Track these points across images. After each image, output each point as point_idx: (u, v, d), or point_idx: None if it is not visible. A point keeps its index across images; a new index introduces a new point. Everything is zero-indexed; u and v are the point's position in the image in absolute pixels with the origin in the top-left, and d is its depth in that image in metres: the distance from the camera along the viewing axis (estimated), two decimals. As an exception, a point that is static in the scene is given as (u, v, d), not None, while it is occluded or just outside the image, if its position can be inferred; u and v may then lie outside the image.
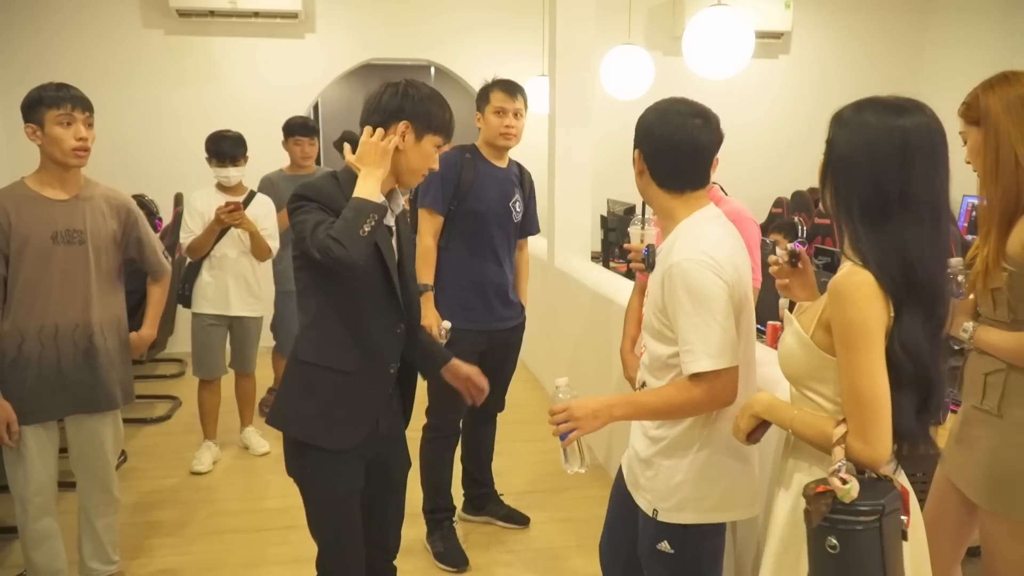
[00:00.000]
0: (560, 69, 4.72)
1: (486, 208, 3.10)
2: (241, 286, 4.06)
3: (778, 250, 1.78)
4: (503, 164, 3.20)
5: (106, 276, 2.66)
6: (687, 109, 1.82)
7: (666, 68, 6.01)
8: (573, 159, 4.78)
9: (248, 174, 4.09)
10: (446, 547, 3.19)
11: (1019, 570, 1.80)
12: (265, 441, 4.28)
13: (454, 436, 3.28)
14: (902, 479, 1.51)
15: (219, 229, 3.89)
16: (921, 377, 1.42)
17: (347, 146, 2.06)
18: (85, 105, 2.54)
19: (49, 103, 2.47)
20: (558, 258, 4.92)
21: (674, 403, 1.77)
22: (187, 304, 4.11)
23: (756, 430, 1.63)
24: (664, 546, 1.88)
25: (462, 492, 3.51)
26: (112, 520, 2.84)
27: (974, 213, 5.79)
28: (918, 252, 1.39)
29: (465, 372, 2.34)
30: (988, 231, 1.82)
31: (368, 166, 1.96)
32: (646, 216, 2.35)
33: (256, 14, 6.20)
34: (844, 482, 1.33)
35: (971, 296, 1.92)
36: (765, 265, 2.05)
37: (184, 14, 6.14)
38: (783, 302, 2.57)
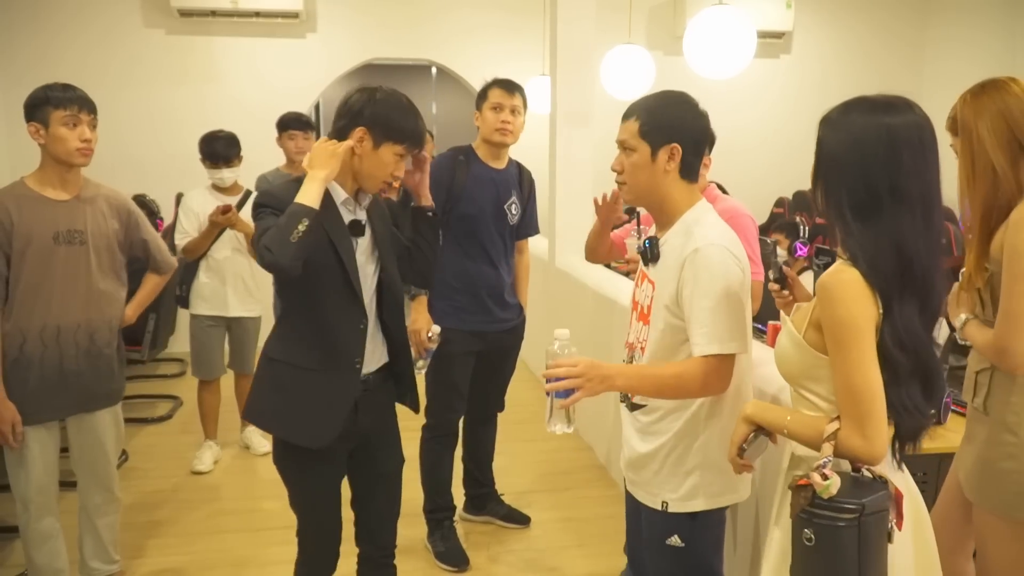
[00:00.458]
0: (561, 69, 4.72)
1: (478, 211, 3.09)
2: (239, 287, 4.05)
3: (770, 273, 1.83)
4: (500, 164, 3.17)
5: (107, 276, 2.66)
6: (694, 100, 1.92)
7: (667, 68, 6.01)
8: (574, 159, 4.78)
9: (250, 174, 4.08)
10: (447, 547, 3.19)
11: (1009, 565, 1.83)
12: (266, 441, 4.27)
13: (452, 436, 3.28)
14: (902, 478, 1.51)
15: (215, 232, 3.89)
16: (920, 369, 1.43)
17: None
18: (91, 107, 2.55)
19: (56, 103, 2.47)
20: (559, 258, 4.92)
21: (673, 383, 1.80)
22: (185, 305, 4.10)
23: (748, 448, 1.62)
24: (674, 540, 1.91)
25: (463, 492, 3.51)
26: (113, 519, 2.85)
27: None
28: (912, 245, 1.40)
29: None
30: (970, 236, 1.87)
31: (314, 168, 2.00)
32: (641, 226, 2.34)
33: (257, 14, 6.20)
34: (825, 478, 1.35)
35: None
36: (764, 266, 2.07)
37: (185, 14, 6.14)
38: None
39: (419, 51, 6.80)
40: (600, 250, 2.69)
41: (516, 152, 3.24)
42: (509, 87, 3.09)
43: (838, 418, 1.44)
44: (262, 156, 4.52)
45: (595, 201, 2.47)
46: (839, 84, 6.99)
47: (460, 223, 3.09)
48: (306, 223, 1.91)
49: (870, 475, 1.41)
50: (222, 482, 3.97)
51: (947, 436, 2.16)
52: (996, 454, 1.81)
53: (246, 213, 3.87)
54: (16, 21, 5.95)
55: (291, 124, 4.36)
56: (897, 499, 1.42)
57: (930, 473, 2.17)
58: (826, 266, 2.66)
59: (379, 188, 2.15)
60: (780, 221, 6.04)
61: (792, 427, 1.52)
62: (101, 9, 6.09)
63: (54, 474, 2.66)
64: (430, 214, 2.31)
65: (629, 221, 2.67)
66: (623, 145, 1.90)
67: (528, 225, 3.32)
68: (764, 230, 5.67)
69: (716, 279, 1.77)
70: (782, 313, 1.67)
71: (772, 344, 2.88)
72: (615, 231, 2.84)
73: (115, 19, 6.12)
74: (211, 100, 6.21)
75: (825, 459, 1.39)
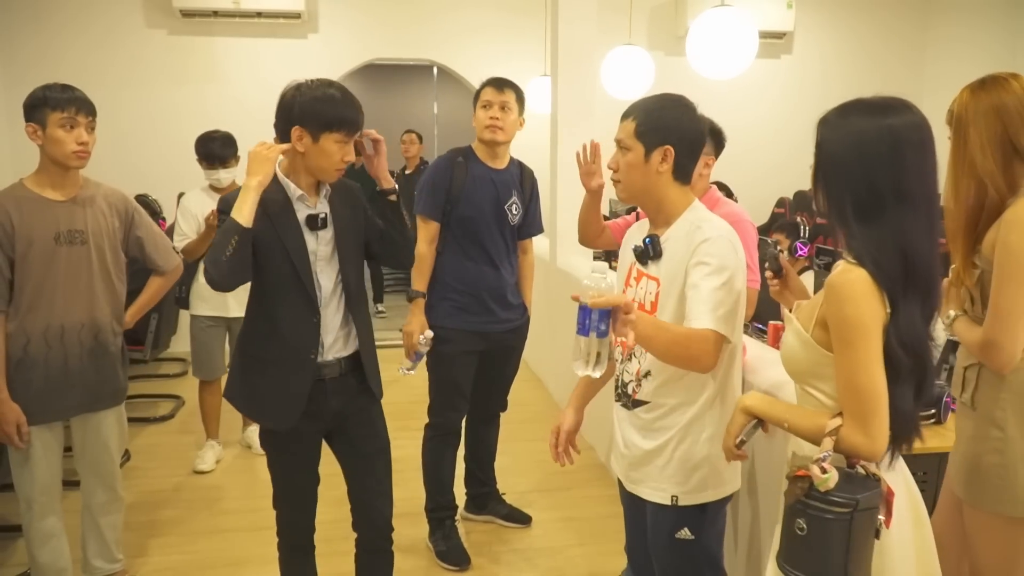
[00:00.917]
0: (562, 69, 4.72)
1: (478, 212, 3.09)
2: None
3: (767, 264, 1.85)
4: (500, 164, 3.16)
5: (109, 275, 2.67)
6: (691, 103, 1.94)
7: (667, 68, 6.02)
8: (575, 159, 4.78)
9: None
10: (448, 546, 3.20)
11: (997, 561, 1.83)
12: (268, 440, 4.29)
13: (454, 435, 3.28)
14: (900, 476, 1.53)
15: (212, 235, 3.85)
16: (917, 369, 1.45)
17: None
18: (89, 109, 2.53)
19: (53, 105, 2.45)
20: (560, 258, 4.93)
21: (683, 342, 1.77)
22: (184, 306, 4.10)
23: (747, 439, 1.64)
24: (684, 533, 1.93)
25: (464, 491, 3.52)
26: (116, 518, 2.85)
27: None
28: (916, 245, 1.41)
29: None
30: (955, 235, 1.87)
31: (249, 176, 2.07)
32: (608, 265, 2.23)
33: (259, 14, 6.21)
34: (824, 471, 1.37)
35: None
36: (763, 267, 2.08)
37: (187, 14, 6.15)
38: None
39: (420, 51, 6.81)
40: (592, 227, 2.76)
41: (516, 152, 3.24)
42: (498, 84, 3.08)
43: (840, 414, 1.45)
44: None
45: (576, 155, 2.63)
46: (840, 84, 6.99)
47: (460, 224, 3.09)
48: (236, 240, 2.01)
49: (863, 472, 1.42)
50: (224, 482, 3.98)
51: (947, 436, 2.15)
52: (982, 449, 1.82)
53: None
54: (18, 20, 5.96)
55: None
56: (888, 498, 1.44)
57: (930, 473, 2.17)
58: (827, 266, 2.68)
59: (335, 176, 2.21)
60: (781, 221, 6.04)
61: (793, 420, 1.54)
62: (103, 9, 6.10)
63: (57, 474, 2.67)
64: (392, 197, 2.35)
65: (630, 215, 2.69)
66: (620, 144, 1.93)
67: (531, 224, 3.31)
68: (765, 230, 5.68)
69: (725, 267, 1.81)
70: (785, 311, 1.67)
71: (772, 344, 2.89)
72: (613, 221, 2.85)
73: (117, 19, 6.13)
74: (213, 100, 6.21)
75: (824, 453, 1.40)
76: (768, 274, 1.85)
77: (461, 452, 3.39)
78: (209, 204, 3.85)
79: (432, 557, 3.21)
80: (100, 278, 2.63)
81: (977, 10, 6.89)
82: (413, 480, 3.31)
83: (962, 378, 1.91)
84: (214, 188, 3.99)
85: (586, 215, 2.75)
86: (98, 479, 2.77)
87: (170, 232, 4.30)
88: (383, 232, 2.37)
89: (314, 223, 2.20)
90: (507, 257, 3.21)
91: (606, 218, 2.87)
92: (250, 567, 3.14)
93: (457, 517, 3.35)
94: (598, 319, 1.56)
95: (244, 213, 2.03)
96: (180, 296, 4.07)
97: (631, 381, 1.98)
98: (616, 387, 2.06)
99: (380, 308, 7.67)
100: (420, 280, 3.09)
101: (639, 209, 2.40)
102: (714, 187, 2.68)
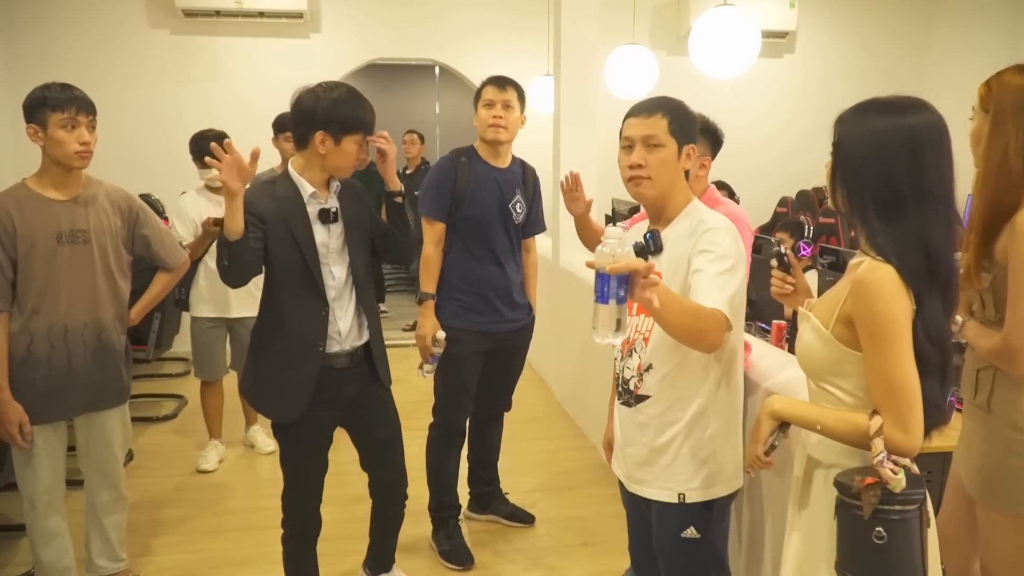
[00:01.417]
0: (564, 68, 4.72)
1: (483, 212, 3.09)
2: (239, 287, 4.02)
3: (772, 261, 1.84)
4: (503, 163, 3.16)
5: (112, 274, 2.66)
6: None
7: (670, 67, 6.01)
8: (577, 158, 4.77)
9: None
10: (451, 546, 3.20)
11: (1014, 563, 1.83)
12: (271, 440, 4.28)
13: (459, 435, 3.28)
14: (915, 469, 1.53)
15: (208, 240, 3.82)
16: (942, 363, 1.46)
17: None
18: (89, 108, 2.52)
19: (53, 105, 2.44)
20: (563, 257, 4.92)
21: (694, 313, 1.74)
22: (185, 308, 4.10)
23: (777, 445, 1.61)
24: (690, 532, 1.94)
25: (467, 490, 3.52)
26: (120, 517, 2.85)
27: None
28: (937, 242, 1.42)
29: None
30: (972, 228, 1.84)
31: (227, 189, 2.12)
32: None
33: (261, 14, 6.22)
34: (895, 472, 1.36)
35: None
36: (763, 268, 2.07)
37: (190, 14, 6.16)
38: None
39: (423, 51, 6.81)
40: (591, 234, 2.90)
41: (519, 151, 3.24)
42: (500, 82, 3.08)
43: (875, 412, 1.44)
44: (265, 157, 4.49)
45: (560, 184, 2.82)
46: (843, 84, 7.01)
47: (465, 225, 3.09)
48: (227, 253, 2.16)
49: (904, 466, 1.43)
50: (227, 481, 3.98)
51: (951, 435, 2.15)
52: (1003, 451, 1.81)
53: None
54: (20, 20, 5.96)
55: (288, 126, 4.30)
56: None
57: (934, 471, 2.16)
58: (831, 265, 2.67)
59: (350, 173, 2.38)
60: (785, 220, 6.02)
61: (825, 421, 1.51)
62: (105, 8, 6.10)
63: (61, 473, 2.67)
64: (398, 198, 2.49)
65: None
66: (649, 141, 1.90)
67: (534, 223, 3.31)
68: (768, 229, 5.66)
69: (729, 255, 1.83)
70: (801, 309, 1.64)
71: (776, 343, 2.89)
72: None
73: (119, 19, 6.13)
74: (215, 100, 6.22)
75: (882, 454, 1.39)
76: (776, 272, 1.83)
77: (465, 452, 3.39)
78: (205, 205, 3.83)
79: (435, 556, 3.20)
80: (103, 277, 2.63)
81: (980, 10, 6.88)
82: (417, 480, 3.29)
83: (975, 380, 1.89)
84: (209, 188, 3.97)
85: (581, 231, 2.97)
86: (102, 478, 2.77)
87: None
88: (387, 230, 2.49)
89: (326, 217, 2.34)
90: (512, 256, 3.21)
91: (609, 217, 2.89)
92: (254, 566, 3.14)
93: (460, 517, 3.35)
94: (617, 285, 1.53)
95: (235, 229, 2.14)
96: (180, 298, 4.05)
97: (632, 377, 1.98)
98: (617, 385, 2.06)
99: (383, 308, 7.68)
100: (429, 282, 3.09)
101: (642, 209, 2.41)
102: (713, 187, 2.68)
